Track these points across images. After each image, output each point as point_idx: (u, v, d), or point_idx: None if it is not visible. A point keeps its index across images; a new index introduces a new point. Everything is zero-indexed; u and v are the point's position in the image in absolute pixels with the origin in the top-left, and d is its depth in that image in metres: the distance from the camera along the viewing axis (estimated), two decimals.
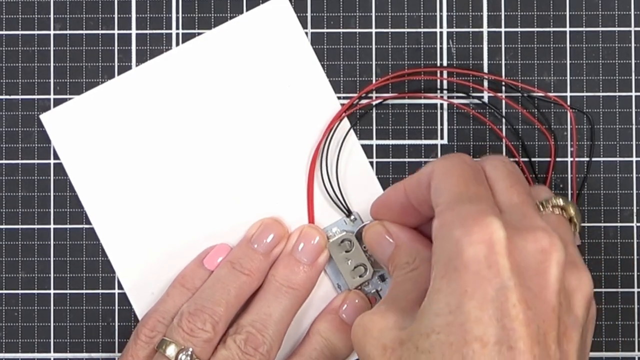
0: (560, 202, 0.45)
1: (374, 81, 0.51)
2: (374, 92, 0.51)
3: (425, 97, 0.50)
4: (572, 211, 0.45)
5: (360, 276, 0.49)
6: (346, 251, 0.49)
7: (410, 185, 0.45)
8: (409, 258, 0.44)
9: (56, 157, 0.51)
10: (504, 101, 0.50)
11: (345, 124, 0.50)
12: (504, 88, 0.50)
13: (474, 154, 0.50)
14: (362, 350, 0.41)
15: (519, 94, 0.50)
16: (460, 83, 0.50)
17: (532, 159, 0.50)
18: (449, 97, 0.50)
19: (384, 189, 0.50)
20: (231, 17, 0.51)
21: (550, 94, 0.50)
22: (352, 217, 0.49)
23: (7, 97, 0.51)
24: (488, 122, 0.50)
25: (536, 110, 0.50)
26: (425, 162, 0.50)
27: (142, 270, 0.50)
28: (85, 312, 0.51)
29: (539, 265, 0.39)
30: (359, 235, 0.49)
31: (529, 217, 0.41)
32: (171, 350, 0.46)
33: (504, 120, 0.50)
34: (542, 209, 0.44)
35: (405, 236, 0.46)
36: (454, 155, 0.43)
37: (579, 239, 0.48)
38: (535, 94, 0.50)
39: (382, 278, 0.49)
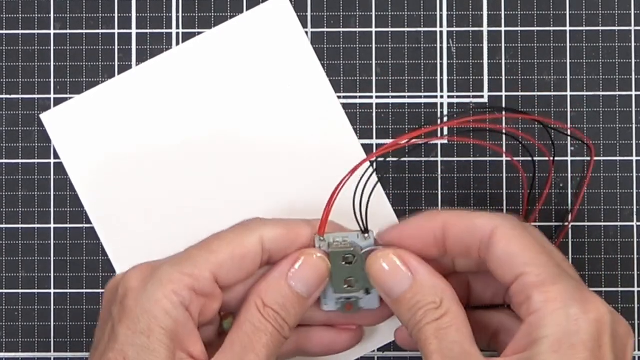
0: None
1: (374, 80, 0.51)
2: (374, 94, 0.51)
3: (425, 115, 0.51)
4: None
5: (349, 287, 0.45)
6: (346, 263, 0.45)
7: (457, 227, 0.43)
8: (434, 297, 0.42)
9: (56, 156, 0.51)
10: (504, 100, 0.50)
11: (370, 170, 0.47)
12: (504, 87, 0.50)
13: (474, 154, 0.50)
14: None
15: (519, 94, 0.50)
16: (461, 92, 0.50)
17: (534, 159, 0.50)
18: (449, 97, 0.51)
19: (389, 199, 0.50)
20: (231, 17, 0.51)
21: (568, 126, 0.50)
22: (367, 235, 0.46)
23: (7, 96, 0.51)
24: (489, 116, 0.50)
25: (537, 110, 0.50)
26: (426, 162, 0.50)
27: None
28: (85, 311, 0.51)
29: (624, 348, 0.41)
30: (365, 255, 0.45)
31: None
32: None
33: (504, 119, 0.50)
34: None
35: (425, 270, 0.43)
36: (515, 218, 0.43)
37: None
38: (552, 126, 0.50)
39: (367, 291, 0.46)
